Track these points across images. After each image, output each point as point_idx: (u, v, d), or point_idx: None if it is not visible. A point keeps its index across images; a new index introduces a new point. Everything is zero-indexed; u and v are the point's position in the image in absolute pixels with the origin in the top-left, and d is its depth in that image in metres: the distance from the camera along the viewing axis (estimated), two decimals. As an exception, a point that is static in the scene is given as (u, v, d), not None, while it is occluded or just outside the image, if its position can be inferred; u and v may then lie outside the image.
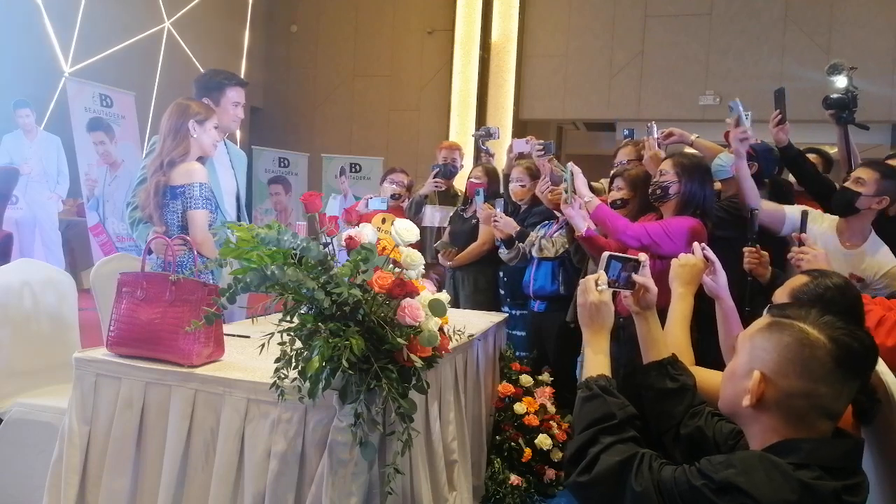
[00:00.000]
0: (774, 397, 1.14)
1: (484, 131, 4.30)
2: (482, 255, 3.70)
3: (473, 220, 3.71)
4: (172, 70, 8.01)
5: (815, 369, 1.11)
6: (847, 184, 2.54)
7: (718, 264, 1.84)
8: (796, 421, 1.13)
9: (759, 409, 1.15)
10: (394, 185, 4.20)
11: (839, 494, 1.07)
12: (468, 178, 3.91)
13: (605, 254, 1.59)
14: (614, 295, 1.58)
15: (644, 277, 1.59)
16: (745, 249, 2.44)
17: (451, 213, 4.04)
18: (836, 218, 2.63)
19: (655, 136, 3.14)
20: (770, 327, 1.18)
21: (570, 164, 2.80)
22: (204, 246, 2.46)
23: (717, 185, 3.11)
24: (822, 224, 2.63)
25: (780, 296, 1.65)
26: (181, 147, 2.50)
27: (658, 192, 2.70)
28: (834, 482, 1.07)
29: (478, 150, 4.31)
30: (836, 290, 1.57)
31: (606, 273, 1.57)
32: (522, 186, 3.56)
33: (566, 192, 2.77)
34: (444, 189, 4.16)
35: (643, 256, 1.63)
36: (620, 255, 1.61)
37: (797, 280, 1.66)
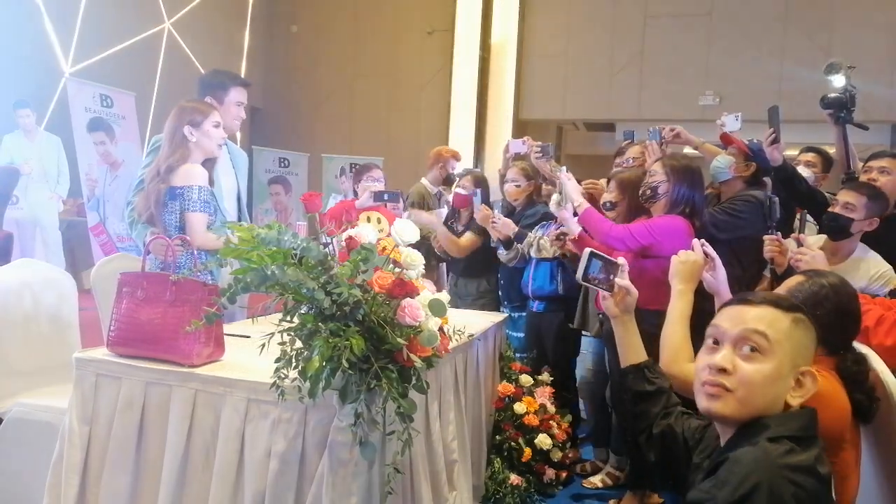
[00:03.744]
0: None
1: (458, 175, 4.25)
2: (461, 252, 3.57)
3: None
4: (172, 70, 8.01)
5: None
6: (836, 209, 2.53)
7: (718, 261, 1.85)
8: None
9: None
10: (378, 183, 3.74)
11: (814, 469, 1.06)
12: (454, 188, 3.84)
13: (587, 250, 1.62)
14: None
15: (625, 281, 1.61)
16: (766, 237, 2.48)
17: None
18: (822, 237, 2.64)
19: (659, 140, 3.15)
20: (798, 323, 1.19)
21: (561, 173, 2.82)
22: (201, 249, 2.45)
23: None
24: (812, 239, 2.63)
25: (779, 295, 1.66)
26: (178, 153, 2.46)
27: (647, 192, 2.71)
28: (806, 454, 1.08)
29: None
30: (831, 288, 1.57)
31: (587, 269, 1.60)
32: (517, 187, 3.54)
33: (559, 194, 2.79)
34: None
35: (622, 260, 1.66)
36: (601, 254, 1.64)
37: (793, 280, 1.66)
